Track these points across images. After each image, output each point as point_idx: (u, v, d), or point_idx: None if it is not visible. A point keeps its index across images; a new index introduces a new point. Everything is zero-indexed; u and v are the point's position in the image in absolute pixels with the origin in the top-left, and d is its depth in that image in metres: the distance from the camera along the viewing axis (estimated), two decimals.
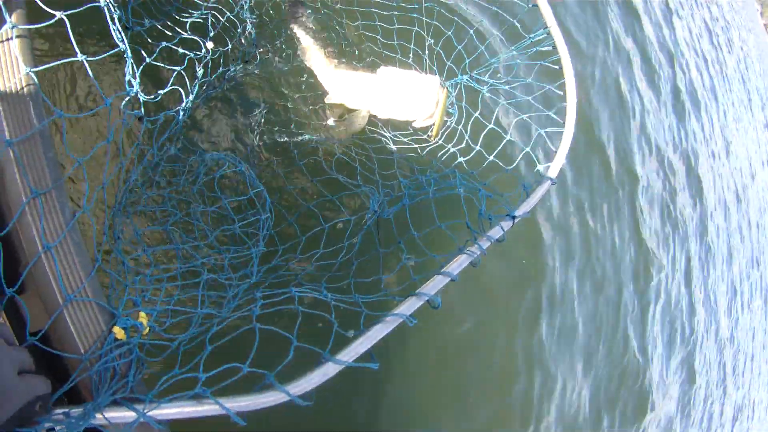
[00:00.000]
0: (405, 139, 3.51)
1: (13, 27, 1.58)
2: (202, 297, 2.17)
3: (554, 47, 2.90)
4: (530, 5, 2.95)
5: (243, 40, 3.23)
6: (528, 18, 3.06)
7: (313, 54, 3.76)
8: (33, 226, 1.52)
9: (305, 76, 3.76)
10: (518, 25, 3.19)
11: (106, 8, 1.76)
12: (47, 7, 1.64)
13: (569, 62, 2.87)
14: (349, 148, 3.19)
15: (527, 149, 2.81)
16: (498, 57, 3.29)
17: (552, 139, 2.80)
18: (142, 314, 1.68)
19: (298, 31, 3.78)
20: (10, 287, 1.42)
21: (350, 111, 3.66)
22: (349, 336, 1.90)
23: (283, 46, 3.76)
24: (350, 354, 1.91)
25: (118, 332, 1.57)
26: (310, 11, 3.84)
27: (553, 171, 2.71)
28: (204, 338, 1.82)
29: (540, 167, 2.72)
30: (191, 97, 2.64)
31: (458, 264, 2.35)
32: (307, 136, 3.36)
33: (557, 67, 2.88)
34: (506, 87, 3.15)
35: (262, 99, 3.53)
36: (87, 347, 1.55)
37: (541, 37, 2.96)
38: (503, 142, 2.95)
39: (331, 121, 3.66)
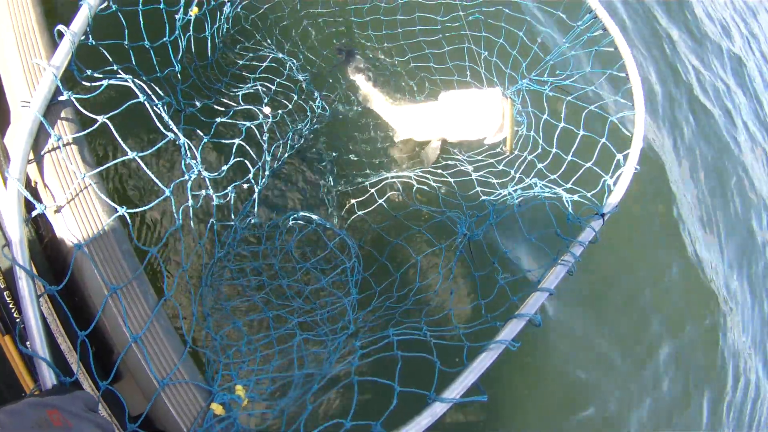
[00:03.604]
0: (480, 157, 3.44)
1: (58, 139, 1.68)
2: (299, 358, 2.17)
3: (605, 30, 2.79)
4: None
5: (308, 100, 3.30)
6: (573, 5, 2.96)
7: (374, 96, 3.80)
8: (118, 318, 1.58)
9: (371, 118, 3.78)
10: (563, 16, 3.09)
11: (146, 103, 1.83)
12: (92, 110, 1.73)
13: (623, 41, 2.75)
14: (426, 178, 3.15)
15: (603, 140, 2.68)
16: (552, 54, 3.19)
17: (625, 124, 2.65)
18: (239, 387, 1.70)
19: (355, 77, 3.84)
20: (104, 378, 1.47)
21: (421, 144, 3.65)
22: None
23: (347, 92, 3.82)
24: (457, 390, 1.85)
25: (217, 408, 1.59)
26: (359, 56, 3.90)
27: (632, 157, 2.58)
28: (305, 398, 1.82)
29: (619, 156, 2.59)
30: (268, 164, 2.71)
31: (554, 276, 2.26)
32: (383, 174, 3.36)
33: (612, 48, 2.76)
34: (567, 82, 3.03)
35: (332, 147, 3.57)
36: (188, 426, 1.58)
37: (589, 23, 2.86)
38: (578, 139, 2.82)
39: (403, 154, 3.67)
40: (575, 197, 2.62)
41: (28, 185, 1.68)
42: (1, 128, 1.81)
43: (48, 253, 1.73)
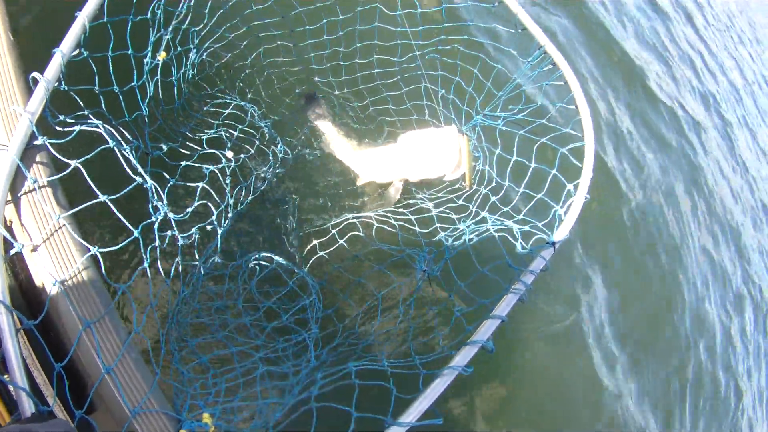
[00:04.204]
0: (441, 194, 3.57)
1: (34, 182, 1.77)
2: (263, 390, 2.25)
3: (554, 64, 2.95)
4: (520, 29, 3.03)
5: (269, 145, 3.41)
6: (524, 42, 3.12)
7: (335, 141, 3.93)
8: (92, 351, 1.66)
9: (334, 162, 3.91)
10: (515, 53, 3.25)
11: (116, 149, 1.94)
12: (65, 153, 1.84)
13: (572, 74, 2.90)
14: (387, 217, 3.27)
15: (554, 171, 2.80)
16: (504, 89, 3.35)
17: (577, 155, 2.80)
18: (206, 415, 1.77)
19: (317, 122, 3.98)
20: (79, 409, 1.54)
21: (383, 185, 3.78)
22: None
23: (309, 137, 3.96)
24: (413, 414, 1.94)
25: None
26: (320, 101, 4.04)
27: (582, 187, 2.71)
28: (267, 427, 1.90)
29: (569, 186, 2.72)
30: (231, 207, 2.81)
31: (506, 304, 2.37)
32: (344, 216, 3.47)
33: (563, 82, 2.91)
34: (520, 116, 3.18)
35: (296, 190, 3.69)
36: None
37: (539, 58, 3.01)
38: (529, 171, 2.98)
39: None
40: (527, 228, 2.73)
41: (5, 225, 1.75)
42: None
43: (24, 289, 1.80)
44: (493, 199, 3.13)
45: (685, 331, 5.41)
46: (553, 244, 2.59)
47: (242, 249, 3.22)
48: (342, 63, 3.98)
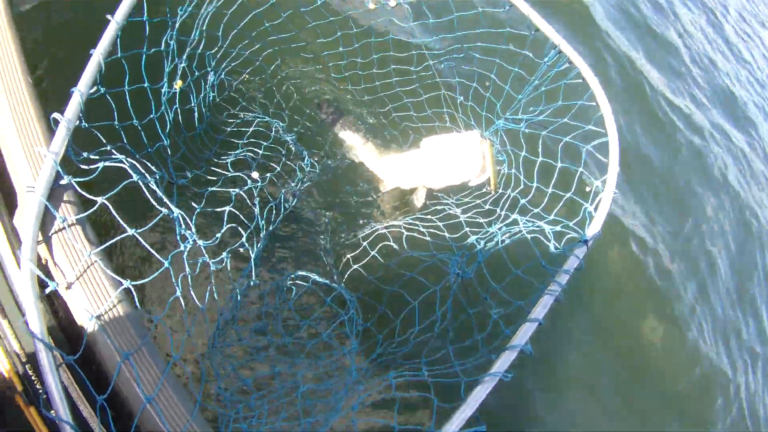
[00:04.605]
0: (468, 199, 3.55)
1: (63, 220, 1.81)
2: (304, 408, 2.25)
3: (570, 63, 2.92)
4: (533, 32, 3.02)
5: (296, 160, 3.43)
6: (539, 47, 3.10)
7: (360, 149, 3.94)
8: (132, 382, 1.68)
9: (359, 171, 3.92)
10: (530, 54, 3.23)
11: (140, 182, 1.97)
12: (91, 190, 1.87)
13: (590, 71, 2.87)
14: (415, 225, 3.26)
15: (580, 169, 2.79)
16: (523, 92, 3.33)
17: (602, 150, 2.76)
18: None
19: (341, 133, 3.99)
20: None
21: (408, 192, 3.77)
22: None
23: (333, 148, 3.98)
24: (455, 423, 1.93)
25: None
26: (342, 111, 4.05)
27: (610, 182, 2.69)
28: None
29: (597, 183, 2.70)
30: (263, 228, 2.83)
31: (542, 307, 2.35)
32: (374, 226, 3.46)
33: (581, 80, 2.88)
34: (541, 117, 3.16)
35: (323, 203, 3.69)
36: None
37: (555, 59, 2.99)
38: (556, 171, 2.95)
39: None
40: (558, 228, 2.71)
41: (40, 264, 1.79)
42: (9, 210, 1.95)
43: (64, 326, 1.84)
44: (522, 201, 3.11)
45: None
46: (586, 241, 2.57)
47: (278, 270, 3.23)
48: (360, 72, 3.99)
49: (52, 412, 1.51)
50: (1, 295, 1.88)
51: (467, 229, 3.17)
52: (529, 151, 3.20)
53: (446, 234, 3.19)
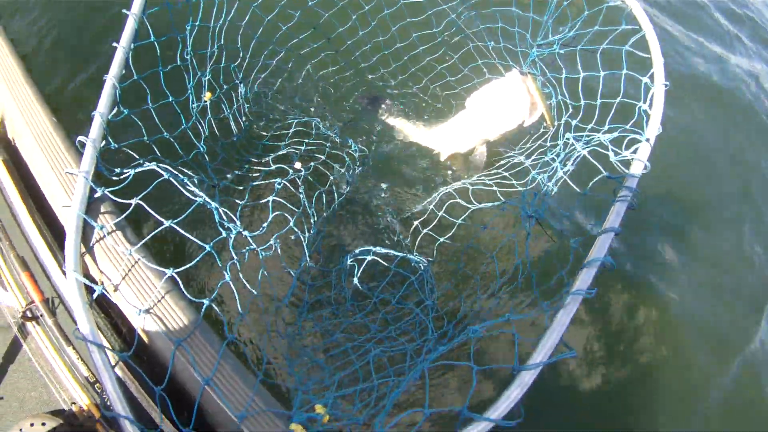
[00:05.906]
0: (529, 144, 3.43)
1: (102, 228, 1.86)
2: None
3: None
4: None
5: (342, 149, 3.42)
6: None
7: (408, 129, 3.88)
8: (188, 368, 1.68)
9: (414, 148, 3.87)
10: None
11: (171, 178, 1.98)
12: (124, 194, 1.90)
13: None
14: (481, 179, 3.17)
15: (624, 71, 2.65)
16: (547, 11, 3.18)
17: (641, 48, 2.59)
18: (318, 406, 1.72)
19: (387, 119, 3.96)
20: (187, 426, 1.54)
21: (468, 154, 3.66)
22: None
23: (382, 133, 3.95)
24: (541, 353, 1.80)
25: (296, 428, 1.61)
26: (381, 97, 4.03)
27: (658, 74, 2.54)
28: (384, 404, 1.83)
29: (645, 79, 2.55)
30: (314, 213, 2.82)
31: (616, 215, 2.22)
32: (440, 191, 3.39)
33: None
34: (571, 33, 3.02)
35: (386, 186, 3.65)
36: None
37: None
38: (600, 80, 2.81)
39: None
40: (616, 134, 2.56)
41: (86, 272, 1.84)
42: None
43: (116, 325, 1.88)
44: (574, 122, 2.95)
45: None
46: (647, 140, 2.40)
47: (345, 253, 3.20)
48: (386, 52, 3.94)
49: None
50: (65, 326, 1.95)
51: (534, 172, 3.04)
52: (569, 71, 3.06)
53: (514, 181, 3.07)
